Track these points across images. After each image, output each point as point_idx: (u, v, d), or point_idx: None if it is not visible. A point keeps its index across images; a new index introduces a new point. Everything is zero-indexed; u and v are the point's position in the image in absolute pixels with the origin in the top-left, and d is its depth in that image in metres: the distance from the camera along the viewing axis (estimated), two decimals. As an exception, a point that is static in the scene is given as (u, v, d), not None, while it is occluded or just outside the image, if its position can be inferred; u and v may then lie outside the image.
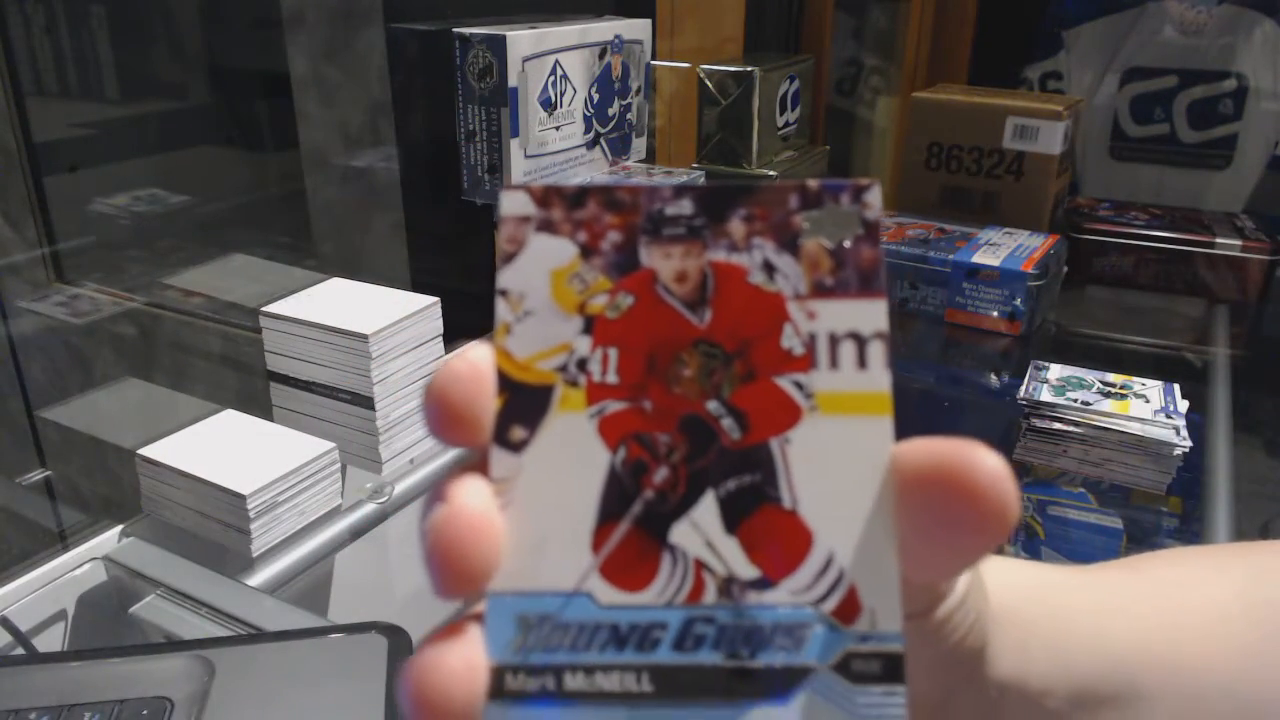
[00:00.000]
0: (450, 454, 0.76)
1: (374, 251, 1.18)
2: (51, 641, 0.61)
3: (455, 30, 0.85)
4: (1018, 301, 0.91)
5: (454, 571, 0.17)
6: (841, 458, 0.18)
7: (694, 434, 0.18)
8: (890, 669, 0.17)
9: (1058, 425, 0.71)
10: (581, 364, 0.19)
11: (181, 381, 1.32)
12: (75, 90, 1.40)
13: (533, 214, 0.19)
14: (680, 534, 0.18)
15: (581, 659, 0.17)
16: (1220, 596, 0.27)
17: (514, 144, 0.86)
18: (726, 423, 0.18)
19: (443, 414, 0.18)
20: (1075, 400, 0.71)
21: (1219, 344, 0.96)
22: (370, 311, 0.71)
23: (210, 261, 1.38)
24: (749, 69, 1.02)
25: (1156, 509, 0.70)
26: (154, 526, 0.66)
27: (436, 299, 0.74)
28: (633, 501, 0.18)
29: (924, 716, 0.22)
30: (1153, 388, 0.73)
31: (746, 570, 0.18)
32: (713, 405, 0.18)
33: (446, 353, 0.75)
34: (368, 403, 0.70)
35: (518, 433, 0.18)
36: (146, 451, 0.65)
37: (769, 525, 0.18)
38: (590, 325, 0.19)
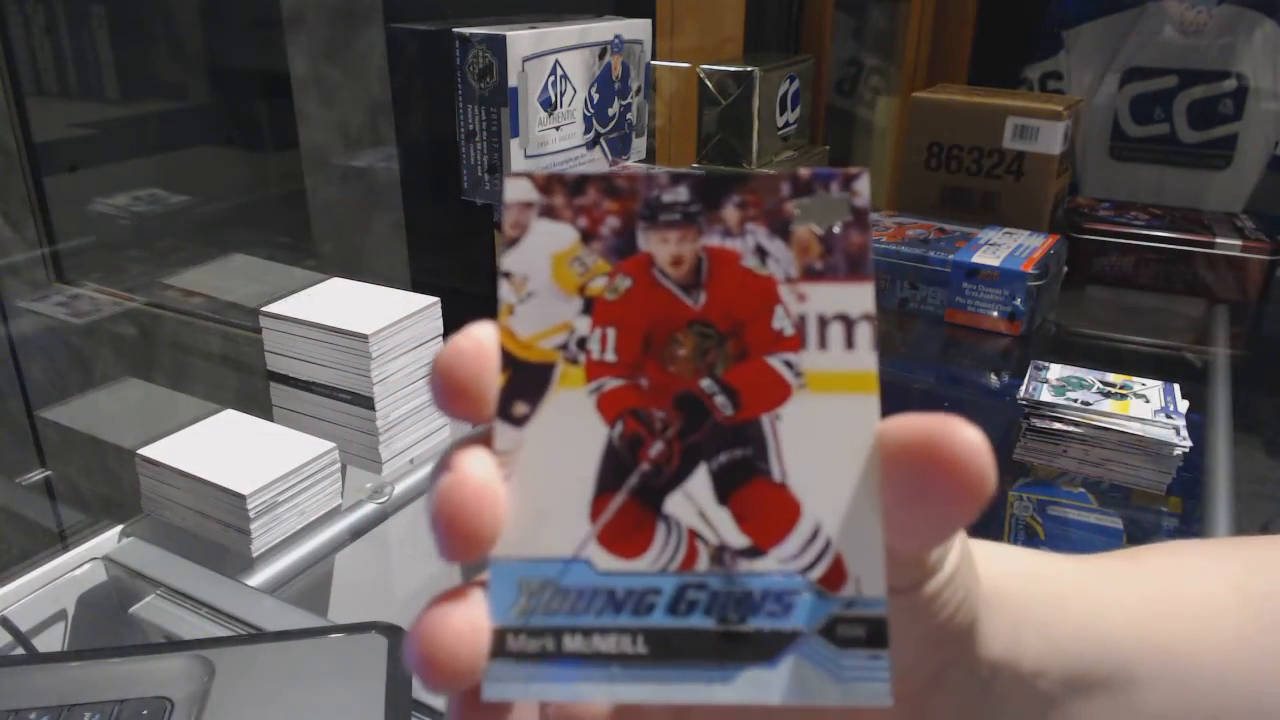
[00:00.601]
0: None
1: (374, 251, 1.18)
2: (51, 641, 0.61)
3: (455, 30, 0.85)
4: (1018, 301, 0.91)
5: (459, 535, 0.18)
6: (829, 433, 0.19)
7: (688, 410, 0.19)
8: (874, 634, 0.18)
9: (1058, 425, 0.71)
10: (581, 343, 0.19)
11: (181, 381, 1.32)
12: (75, 90, 1.40)
13: (535, 200, 0.20)
14: (674, 505, 0.19)
15: (580, 622, 0.18)
16: (1216, 587, 0.27)
17: (514, 144, 0.86)
18: (719, 400, 0.19)
19: (448, 389, 0.18)
20: (1075, 400, 0.71)
21: (1219, 344, 0.96)
22: (370, 311, 0.71)
23: (210, 261, 1.38)
24: (749, 69, 1.02)
25: (1156, 509, 0.70)
26: (154, 526, 0.66)
27: (436, 299, 0.74)
28: (629, 474, 0.19)
29: (916, 693, 0.23)
30: (1153, 388, 0.73)
31: (737, 539, 0.19)
32: (706, 383, 0.19)
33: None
34: (368, 403, 0.70)
35: (520, 408, 0.19)
36: (146, 451, 0.65)
37: (759, 497, 0.19)
38: (590, 306, 0.19)
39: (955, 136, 1.07)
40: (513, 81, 0.83)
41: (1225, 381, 0.87)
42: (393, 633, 0.51)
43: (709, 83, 1.04)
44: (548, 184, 0.20)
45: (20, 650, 0.56)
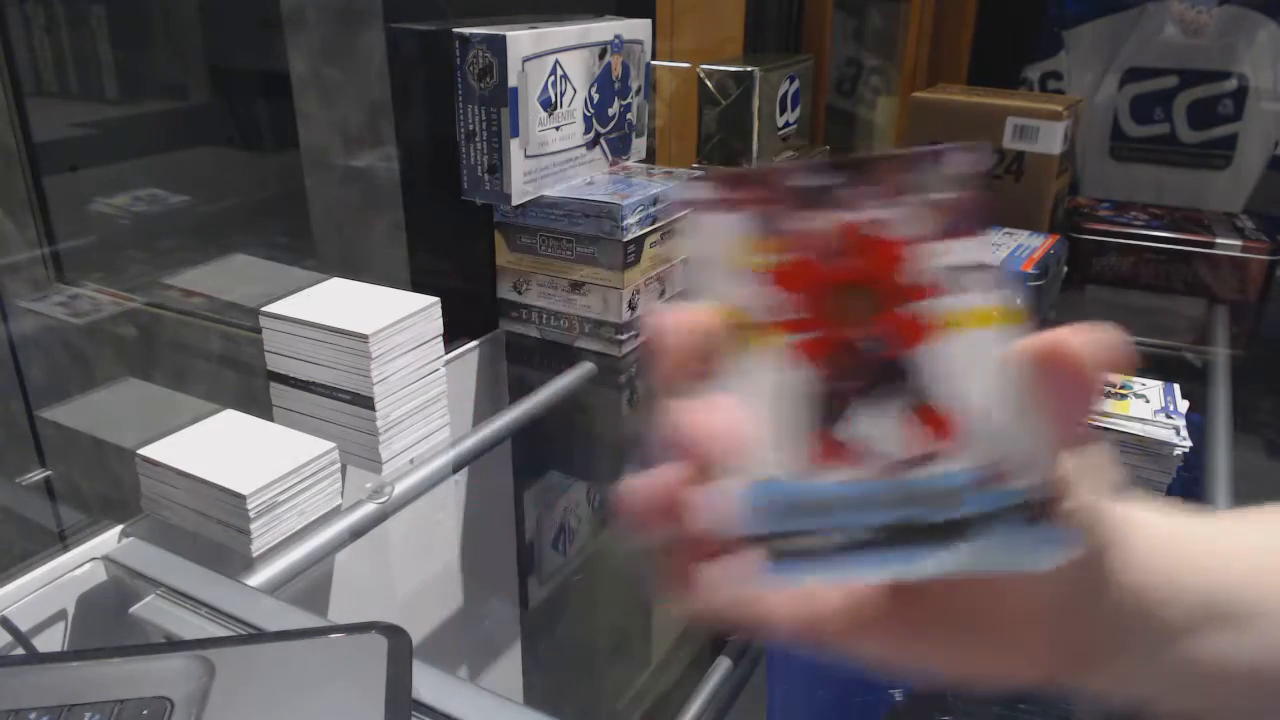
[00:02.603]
0: (445, 457, 0.76)
1: (374, 251, 1.18)
2: (51, 641, 0.61)
3: (455, 30, 0.85)
4: (1017, 301, 0.91)
5: (714, 450, 0.23)
6: (976, 359, 0.24)
7: (859, 353, 0.24)
8: (1046, 512, 0.23)
9: (1058, 425, 0.70)
10: (767, 309, 0.24)
11: (181, 381, 1.32)
12: (75, 90, 1.40)
13: (711, 198, 0.24)
14: (867, 427, 0.24)
15: (811, 524, 0.23)
16: None
17: (514, 144, 0.86)
18: (884, 342, 0.24)
19: (674, 354, 0.24)
20: (1075, 400, 0.71)
21: (1219, 344, 0.96)
22: (370, 311, 0.71)
23: (210, 261, 1.38)
24: (749, 69, 1.02)
25: (1156, 509, 0.70)
26: (154, 526, 0.66)
27: (436, 299, 0.74)
28: (826, 407, 0.24)
29: (1055, 617, 0.26)
30: (1153, 388, 0.73)
31: (920, 450, 0.23)
32: (868, 330, 0.24)
33: (446, 353, 0.75)
34: (368, 403, 0.70)
35: (731, 364, 0.24)
36: (146, 451, 0.65)
37: (929, 416, 0.23)
38: (768, 279, 0.24)
39: (955, 136, 1.07)
40: (513, 81, 0.83)
41: (1225, 381, 0.87)
42: (393, 633, 0.51)
43: (709, 83, 1.04)
44: (721, 182, 0.24)
45: (20, 650, 0.56)
